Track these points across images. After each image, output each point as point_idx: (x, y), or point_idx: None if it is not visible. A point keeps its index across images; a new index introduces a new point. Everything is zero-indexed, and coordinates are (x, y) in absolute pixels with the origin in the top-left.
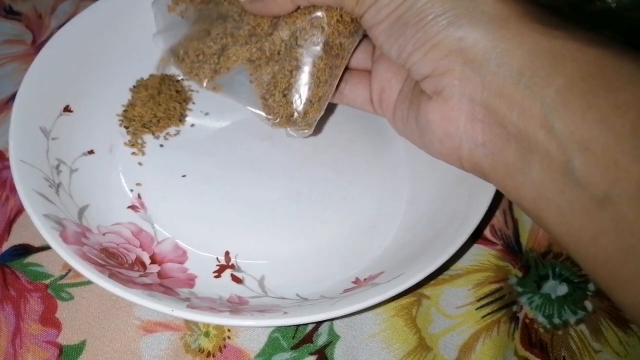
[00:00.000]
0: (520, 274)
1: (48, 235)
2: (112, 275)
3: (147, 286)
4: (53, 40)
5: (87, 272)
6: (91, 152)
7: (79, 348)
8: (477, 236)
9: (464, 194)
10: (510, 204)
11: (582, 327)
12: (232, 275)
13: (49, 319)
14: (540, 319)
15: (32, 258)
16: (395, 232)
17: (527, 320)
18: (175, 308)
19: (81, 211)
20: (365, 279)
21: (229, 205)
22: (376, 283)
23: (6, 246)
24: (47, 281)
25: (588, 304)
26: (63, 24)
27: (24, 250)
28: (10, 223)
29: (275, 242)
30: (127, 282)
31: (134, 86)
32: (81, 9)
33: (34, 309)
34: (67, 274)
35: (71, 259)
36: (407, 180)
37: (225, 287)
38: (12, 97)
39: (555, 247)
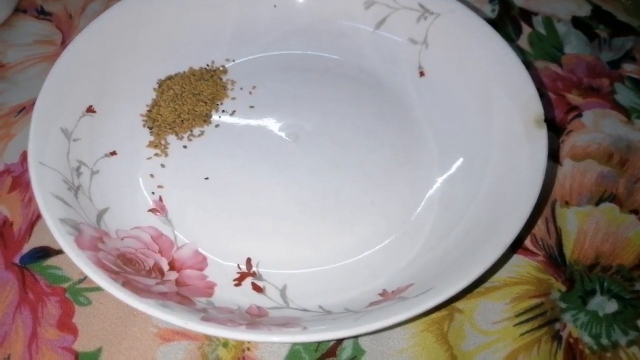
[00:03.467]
0: (563, 288)
1: (62, 239)
2: (126, 284)
3: (162, 295)
4: (76, 40)
5: (99, 279)
6: (114, 153)
7: (95, 355)
8: (516, 246)
9: (503, 199)
10: (553, 211)
11: (635, 349)
12: (252, 283)
13: (66, 324)
14: (586, 338)
15: (52, 261)
16: (425, 240)
17: (572, 340)
18: (188, 320)
19: (100, 214)
20: (393, 292)
21: (252, 210)
22: (404, 297)
23: (27, 248)
24: (65, 285)
25: None
26: None
27: (44, 252)
28: (32, 225)
29: (299, 249)
30: (142, 291)
31: (158, 85)
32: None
33: (51, 313)
34: (85, 277)
35: (84, 265)
36: (440, 183)
37: (245, 296)
38: None
39: (603, 260)
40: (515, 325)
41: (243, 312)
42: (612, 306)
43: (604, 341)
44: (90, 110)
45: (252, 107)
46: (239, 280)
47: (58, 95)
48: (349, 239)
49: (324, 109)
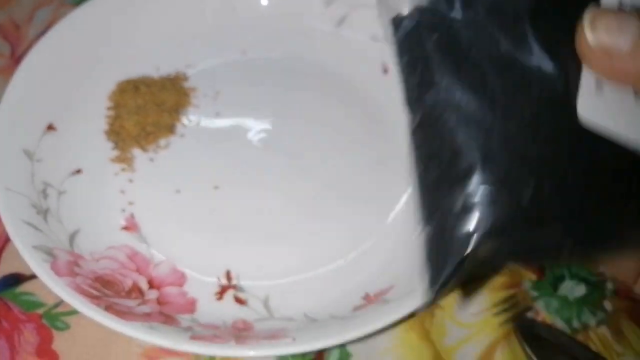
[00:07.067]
0: (534, 277)
1: (38, 267)
2: (109, 308)
3: (146, 316)
4: (30, 55)
5: (81, 305)
6: (78, 171)
7: None
8: None
9: None
10: None
11: (603, 329)
12: (234, 296)
13: (46, 351)
14: (559, 322)
15: (24, 287)
16: (403, 241)
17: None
18: (177, 340)
19: (72, 237)
20: (375, 295)
21: (226, 220)
22: (387, 299)
23: None
24: (40, 310)
25: (607, 304)
26: (42, 33)
27: (15, 279)
28: (0, 251)
29: (277, 259)
30: (125, 314)
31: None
32: (60, 15)
33: (28, 340)
34: (61, 302)
35: (63, 292)
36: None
37: (228, 310)
38: None
39: None
40: (494, 314)
41: (229, 327)
42: (580, 290)
43: (575, 324)
44: (50, 128)
45: (217, 114)
46: (220, 294)
47: (17, 116)
48: (328, 244)
49: (291, 113)
